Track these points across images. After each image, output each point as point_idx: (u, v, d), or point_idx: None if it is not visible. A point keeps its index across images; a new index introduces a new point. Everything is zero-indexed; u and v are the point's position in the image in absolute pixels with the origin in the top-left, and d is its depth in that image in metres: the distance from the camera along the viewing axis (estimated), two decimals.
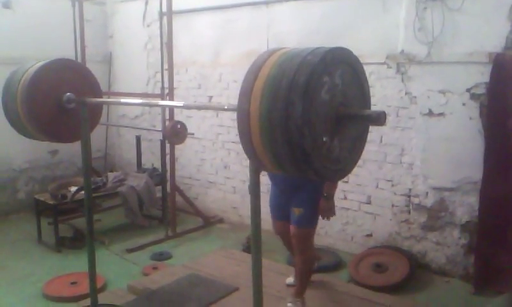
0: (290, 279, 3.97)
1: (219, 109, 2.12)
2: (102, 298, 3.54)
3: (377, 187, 4.82)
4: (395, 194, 4.71)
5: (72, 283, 4.28)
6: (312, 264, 3.72)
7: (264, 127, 1.79)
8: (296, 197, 3.48)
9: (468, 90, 4.17)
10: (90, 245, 3.23)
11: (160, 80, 5.59)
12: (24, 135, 3.19)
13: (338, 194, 5.03)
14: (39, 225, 5.39)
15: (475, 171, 4.14)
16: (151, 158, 6.66)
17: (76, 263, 4.74)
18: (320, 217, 3.52)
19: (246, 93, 1.84)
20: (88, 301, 3.40)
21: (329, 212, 3.48)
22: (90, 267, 3.24)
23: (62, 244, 5.21)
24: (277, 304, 3.58)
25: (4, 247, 5.29)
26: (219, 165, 6.11)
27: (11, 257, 5.02)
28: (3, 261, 4.90)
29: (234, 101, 1.97)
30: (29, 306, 4.04)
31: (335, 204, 3.54)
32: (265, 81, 1.81)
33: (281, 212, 3.66)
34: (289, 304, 3.57)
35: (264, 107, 1.78)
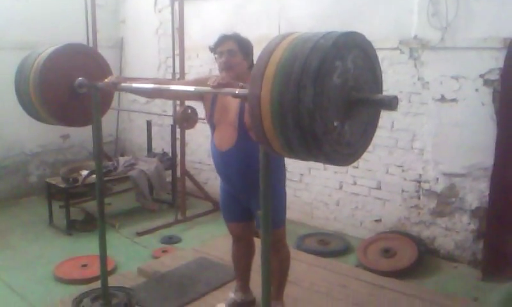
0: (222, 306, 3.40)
1: (230, 93, 2.13)
2: (112, 280, 3.58)
3: (387, 172, 4.80)
4: (405, 179, 4.69)
5: (83, 266, 4.33)
6: (288, 262, 3.20)
7: (275, 111, 1.79)
8: (256, 199, 2.56)
9: (481, 76, 4.13)
10: (101, 228, 3.26)
11: (172, 65, 5.59)
12: (36, 119, 3.23)
13: (348, 179, 5.08)
14: (50, 208, 5.45)
15: (487, 157, 4.12)
16: (161, 143, 6.69)
17: (87, 245, 4.80)
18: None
19: (257, 77, 1.84)
20: (98, 283, 3.44)
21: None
22: (101, 250, 3.27)
23: (73, 227, 5.27)
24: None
25: (16, 229, 5.35)
26: None
27: (23, 239, 5.09)
28: (15, 244, 4.98)
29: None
30: (40, 287, 4.09)
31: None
32: (277, 65, 1.80)
33: (236, 213, 3.12)
34: None
35: (276, 91, 1.77)
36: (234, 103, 2.82)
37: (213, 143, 3.01)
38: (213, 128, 3.00)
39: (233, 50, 2.82)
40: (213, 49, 2.89)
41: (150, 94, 3.36)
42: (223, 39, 2.85)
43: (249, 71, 2.71)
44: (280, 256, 3.06)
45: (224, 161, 2.93)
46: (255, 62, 1.93)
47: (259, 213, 2.61)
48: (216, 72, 2.93)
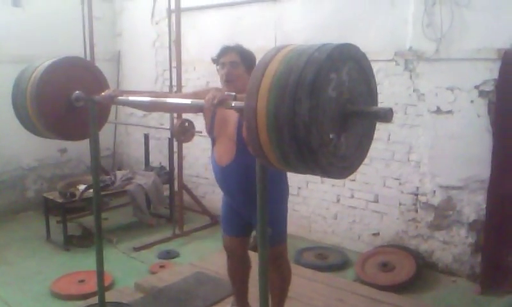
0: None
1: (227, 106, 2.14)
2: (109, 296, 3.56)
3: (384, 185, 4.80)
4: (402, 192, 4.69)
5: (80, 281, 4.30)
6: (289, 279, 3.12)
7: (271, 124, 1.79)
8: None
9: (476, 87, 4.15)
10: (99, 244, 3.24)
11: (169, 78, 5.61)
12: (33, 133, 3.22)
13: (345, 193, 5.07)
14: (47, 223, 5.42)
15: (483, 169, 4.12)
16: (159, 157, 6.69)
17: (84, 261, 4.77)
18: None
19: (253, 90, 1.84)
20: (95, 299, 3.41)
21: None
22: (98, 265, 3.25)
23: (70, 242, 5.24)
24: None
25: (12, 245, 5.32)
26: None
27: (19, 255, 5.05)
28: (12, 259, 4.94)
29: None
30: (37, 303, 4.06)
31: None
32: (272, 78, 1.80)
33: (236, 227, 3.08)
34: None
35: (271, 104, 1.78)
36: (233, 117, 2.79)
37: (213, 158, 2.97)
38: (213, 141, 2.97)
39: (236, 61, 2.79)
40: (215, 60, 2.87)
41: (148, 107, 3.35)
42: (226, 50, 2.83)
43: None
44: (281, 273, 3.01)
45: (225, 176, 2.91)
46: None
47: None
48: (214, 84, 2.93)
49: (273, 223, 2.56)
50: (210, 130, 2.94)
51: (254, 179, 2.28)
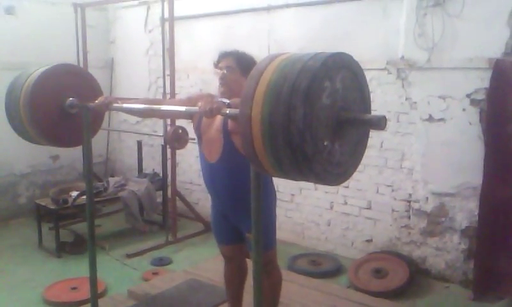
0: None
1: (221, 114, 2.15)
2: (102, 303, 3.54)
3: (377, 192, 4.83)
4: (395, 199, 4.72)
5: (73, 288, 4.28)
6: (280, 285, 3.11)
7: (265, 132, 1.80)
8: (245, 221, 2.69)
9: (468, 96, 4.19)
10: (92, 250, 3.23)
11: (162, 85, 5.61)
12: (27, 140, 3.22)
13: (339, 199, 5.09)
14: (40, 230, 5.40)
15: (475, 176, 4.15)
16: (152, 164, 6.68)
17: (76, 268, 4.75)
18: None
19: (247, 98, 1.85)
20: (88, 306, 3.40)
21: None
22: (91, 272, 3.24)
23: (62, 249, 5.21)
24: None
25: (4, 252, 5.29)
26: None
27: (11, 262, 5.02)
28: (4, 266, 4.91)
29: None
30: None
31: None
32: (266, 86, 1.82)
33: (227, 235, 3.07)
34: None
35: (266, 111, 1.79)
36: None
37: (202, 156, 2.95)
38: (199, 137, 2.95)
39: (231, 66, 2.84)
40: (215, 65, 2.95)
41: (142, 113, 3.35)
42: (223, 55, 2.92)
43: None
44: (271, 279, 3.00)
45: (213, 174, 2.90)
46: None
47: (248, 236, 2.65)
48: (209, 90, 2.95)
49: (262, 228, 2.49)
50: (198, 125, 2.94)
51: (241, 179, 2.27)
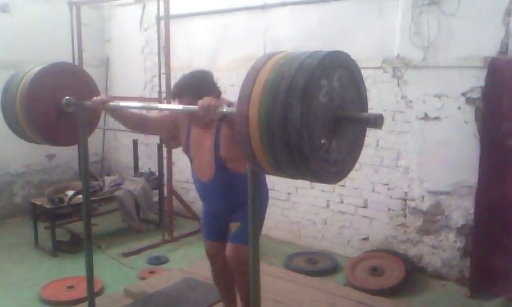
0: None
1: (218, 113, 2.16)
2: (98, 302, 3.53)
3: (373, 190, 4.84)
4: (391, 197, 4.73)
5: (69, 287, 4.27)
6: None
7: (263, 130, 1.80)
8: (233, 214, 2.98)
9: (463, 94, 4.21)
10: (88, 249, 3.22)
11: (158, 84, 5.60)
12: (23, 138, 3.20)
13: (335, 198, 5.10)
14: (36, 229, 5.38)
15: (471, 175, 4.17)
16: (148, 163, 6.67)
17: (73, 267, 4.74)
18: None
19: (245, 96, 1.86)
20: (84, 305, 3.39)
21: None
22: (88, 271, 3.24)
23: (59, 248, 5.20)
24: None
25: (0, 251, 5.27)
26: None
27: (7, 261, 5.00)
28: (0, 265, 4.89)
29: None
30: None
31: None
32: (264, 85, 1.82)
33: (214, 231, 3.15)
34: None
35: (263, 110, 1.79)
36: (209, 134, 2.87)
37: (193, 171, 3.08)
38: (191, 160, 3.06)
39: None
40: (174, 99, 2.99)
41: (135, 125, 3.24)
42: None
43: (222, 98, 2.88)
44: (246, 282, 2.72)
45: (206, 191, 3.04)
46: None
47: (231, 225, 2.93)
48: None
49: (244, 220, 2.59)
50: (187, 148, 3.03)
51: (235, 191, 2.43)
